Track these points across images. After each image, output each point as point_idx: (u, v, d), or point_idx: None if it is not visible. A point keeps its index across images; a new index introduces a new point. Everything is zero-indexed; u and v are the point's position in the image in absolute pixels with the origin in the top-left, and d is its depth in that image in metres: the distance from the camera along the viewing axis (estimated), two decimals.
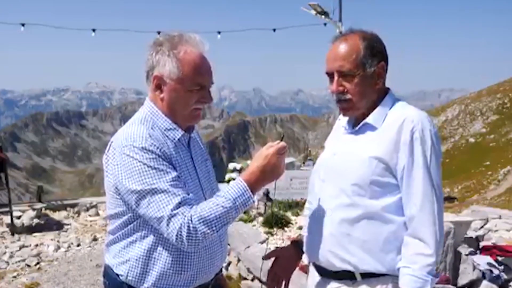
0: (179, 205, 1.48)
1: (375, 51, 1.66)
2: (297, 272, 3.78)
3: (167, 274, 1.61)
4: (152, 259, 1.60)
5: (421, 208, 1.60)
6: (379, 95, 1.71)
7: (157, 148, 1.54)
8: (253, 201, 1.55)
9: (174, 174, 1.54)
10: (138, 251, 1.61)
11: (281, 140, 1.61)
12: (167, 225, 1.47)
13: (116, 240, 1.67)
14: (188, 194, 1.54)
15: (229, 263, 4.90)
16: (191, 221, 1.47)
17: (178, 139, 1.66)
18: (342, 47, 1.66)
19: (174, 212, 1.47)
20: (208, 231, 1.48)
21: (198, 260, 1.64)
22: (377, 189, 1.63)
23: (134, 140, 1.54)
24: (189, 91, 1.61)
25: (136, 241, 1.62)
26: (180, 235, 1.46)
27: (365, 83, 1.66)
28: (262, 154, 1.57)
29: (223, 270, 1.84)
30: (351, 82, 1.65)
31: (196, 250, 1.62)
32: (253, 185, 1.54)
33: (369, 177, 1.62)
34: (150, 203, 1.49)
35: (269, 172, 1.56)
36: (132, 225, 1.61)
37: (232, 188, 1.53)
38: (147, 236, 1.60)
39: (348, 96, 1.66)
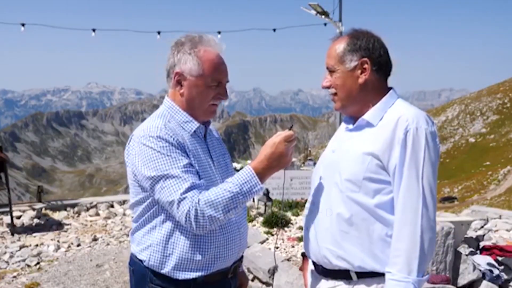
0: (188, 189, 1.56)
1: (356, 47, 1.67)
2: (298, 273, 3.76)
3: (185, 258, 1.67)
4: (171, 243, 1.67)
5: (403, 209, 1.58)
6: (376, 93, 1.70)
7: (171, 137, 1.63)
8: (261, 188, 1.61)
9: (186, 161, 1.62)
10: (158, 236, 1.69)
11: (290, 130, 1.67)
12: (177, 208, 1.56)
13: (139, 227, 1.75)
14: (199, 180, 1.62)
15: None
16: (199, 204, 1.54)
17: (194, 131, 1.75)
18: (331, 46, 1.74)
19: (184, 196, 1.55)
20: (215, 214, 1.55)
21: (216, 245, 1.70)
22: (370, 186, 1.62)
23: (150, 130, 1.65)
24: (208, 87, 1.72)
25: (156, 226, 1.70)
26: (189, 217, 1.55)
27: (345, 77, 1.69)
28: (270, 142, 1.64)
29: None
30: (334, 76, 1.72)
31: (212, 235, 1.68)
32: (261, 172, 1.61)
33: (362, 174, 1.61)
34: (163, 188, 1.58)
35: (276, 160, 1.63)
36: (151, 211, 1.69)
37: (240, 174, 1.61)
38: (165, 221, 1.68)
39: (333, 90, 1.73)
